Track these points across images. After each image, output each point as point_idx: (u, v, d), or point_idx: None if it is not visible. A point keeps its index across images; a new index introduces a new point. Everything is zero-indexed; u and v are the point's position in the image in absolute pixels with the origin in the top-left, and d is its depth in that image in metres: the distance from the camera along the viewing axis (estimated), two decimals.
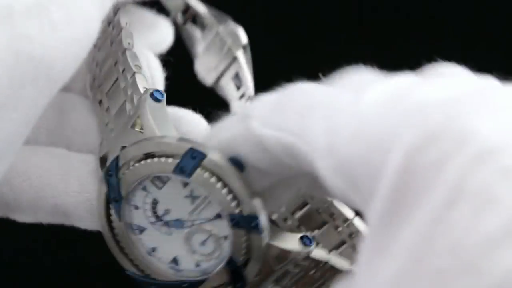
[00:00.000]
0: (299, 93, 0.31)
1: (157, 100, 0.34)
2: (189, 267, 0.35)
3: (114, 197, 0.35)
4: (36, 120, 0.33)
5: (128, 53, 0.36)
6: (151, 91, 0.35)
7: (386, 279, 0.25)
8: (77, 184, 0.36)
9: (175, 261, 0.35)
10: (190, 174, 0.33)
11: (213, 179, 0.33)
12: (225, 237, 0.34)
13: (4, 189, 0.36)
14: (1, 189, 0.36)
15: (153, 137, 0.34)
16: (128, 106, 0.36)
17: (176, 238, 0.35)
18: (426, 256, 0.25)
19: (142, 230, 0.35)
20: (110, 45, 0.38)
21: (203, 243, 0.35)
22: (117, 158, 0.34)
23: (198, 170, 0.33)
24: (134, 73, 0.36)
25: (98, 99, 0.38)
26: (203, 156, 0.33)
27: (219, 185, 0.33)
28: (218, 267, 0.35)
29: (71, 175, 0.36)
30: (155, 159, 0.34)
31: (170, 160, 0.33)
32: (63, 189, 0.36)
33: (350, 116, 0.28)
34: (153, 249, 0.35)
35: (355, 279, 0.27)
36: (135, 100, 0.35)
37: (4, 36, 0.31)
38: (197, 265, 0.35)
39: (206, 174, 0.33)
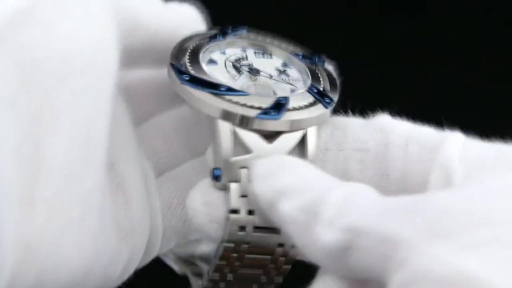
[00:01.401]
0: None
1: None
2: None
3: (217, 35, 0.39)
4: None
5: None
6: None
7: None
8: None
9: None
10: (301, 59, 0.40)
11: None
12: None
13: None
14: None
15: None
16: None
17: (238, 83, 0.38)
18: None
19: (211, 61, 0.38)
20: None
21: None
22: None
23: None
24: None
25: None
26: None
27: None
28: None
29: None
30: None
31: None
32: None
33: None
34: (210, 63, 0.38)
35: None
36: None
37: None
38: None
39: None
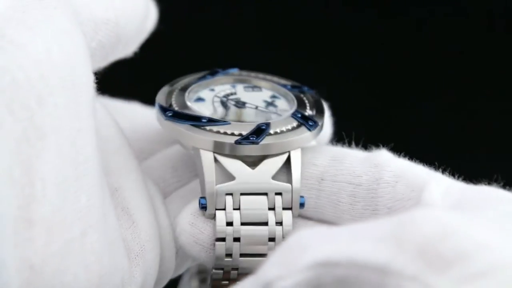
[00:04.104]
0: None
1: None
2: None
3: (206, 75, 0.40)
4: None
5: None
6: None
7: None
8: None
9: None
10: (290, 90, 0.40)
11: None
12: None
13: None
14: None
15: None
16: None
17: (227, 113, 0.38)
18: None
19: (198, 99, 0.39)
20: None
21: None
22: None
23: None
24: None
25: None
26: None
27: None
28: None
29: None
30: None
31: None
32: None
33: None
34: (199, 99, 0.39)
35: None
36: None
37: None
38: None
39: None
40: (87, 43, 0.36)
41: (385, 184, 0.36)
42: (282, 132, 0.37)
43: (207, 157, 0.37)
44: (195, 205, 0.38)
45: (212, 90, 0.40)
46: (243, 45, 0.54)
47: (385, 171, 0.37)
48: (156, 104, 0.39)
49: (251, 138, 0.37)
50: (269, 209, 0.37)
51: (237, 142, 0.37)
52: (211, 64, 0.44)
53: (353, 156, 0.38)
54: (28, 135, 0.32)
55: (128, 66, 0.44)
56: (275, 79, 0.41)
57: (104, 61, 0.39)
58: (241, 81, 0.40)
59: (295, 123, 0.38)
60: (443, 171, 0.37)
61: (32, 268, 0.32)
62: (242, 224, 0.37)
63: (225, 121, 0.37)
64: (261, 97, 0.40)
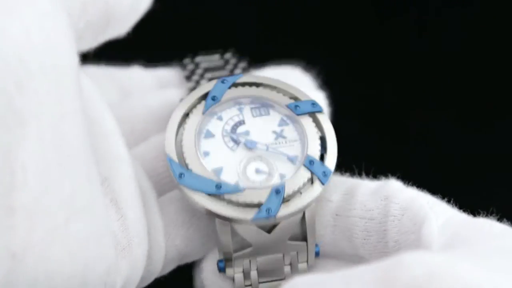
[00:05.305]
0: None
1: None
2: (226, 180, 0.38)
3: (213, 96, 0.39)
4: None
5: None
6: None
7: None
8: None
9: (218, 169, 0.38)
10: (298, 115, 0.39)
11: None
12: (281, 176, 0.38)
13: None
14: None
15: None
16: None
17: (236, 155, 0.38)
18: None
19: (208, 135, 0.39)
20: None
21: (257, 170, 0.38)
22: (237, 76, 0.40)
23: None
24: None
25: None
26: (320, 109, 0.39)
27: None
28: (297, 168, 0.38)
29: None
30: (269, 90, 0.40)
31: (284, 96, 0.40)
32: None
33: None
34: (206, 153, 0.38)
35: None
36: None
37: None
38: (236, 182, 0.38)
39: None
40: (74, 24, 0.35)
41: (392, 217, 0.37)
42: (296, 193, 0.38)
43: (223, 226, 0.38)
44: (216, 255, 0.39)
45: (220, 119, 0.39)
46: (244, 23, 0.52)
47: (393, 203, 0.37)
48: (168, 159, 0.38)
49: (267, 213, 0.37)
50: (285, 264, 0.39)
51: (253, 220, 0.37)
52: (209, 45, 0.44)
53: (363, 189, 0.39)
54: (7, 121, 0.31)
55: (120, 47, 0.42)
56: (281, 91, 0.40)
57: (94, 41, 0.39)
58: (248, 99, 0.40)
59: (308, 175, 0.38)
60: (448, 201, 0.38)
61: (14, 256, 0.31)
62: (260, 282, 0.39)
63: (239, 189, 0.37)
64: (270, 125, 0.39)
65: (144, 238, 0.38)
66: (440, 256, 0.29)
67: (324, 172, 0.38)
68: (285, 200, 0.37)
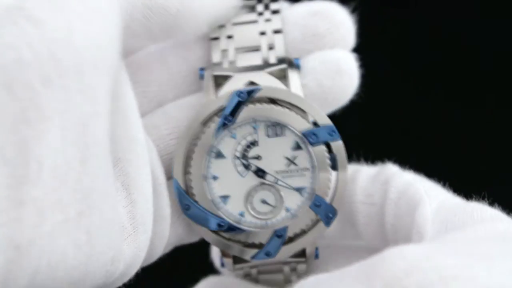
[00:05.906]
0: None
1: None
2: (231, 211, 0.38)
3: (226, 116, 0.37)
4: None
5: None
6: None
7: None
8: None
9: (224, 197, 0.38)
10: (313, 144, 0.38)
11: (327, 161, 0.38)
12: (286, 209, 0.38)
13: None
14: None
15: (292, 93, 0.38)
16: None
17: (244, 182, 0.38)
18: None
19: (219, 155, 0.38)
20: None
21: (264, 201, 0.38)
22: (255, 89, 0.38)
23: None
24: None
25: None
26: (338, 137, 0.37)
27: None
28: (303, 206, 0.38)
29: None
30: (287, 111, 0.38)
31: (302, 120, 0.37)
32: None
33: None
34: (214, 177, 0.38)
35: None
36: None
37: None
38: (240, 214, 0.38)
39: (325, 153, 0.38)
40: (126, 22, 0.34)
41: (389, 200, 0.38)
42: (298, 235, 0.38)
43: (226, 262, 0.39)
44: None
45: (234, 137, 0.39)
46: None
47: (391, 187, 0.38)
48: (174, 185, 0.39)
49: (266, 256, 0.38)
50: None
51: (253, 259, 0.38)
52: None
53: (364, 175, 0.39)
54: (28, 115, 0.31)
55: None
56: (298, 103, 0.39)
57: (152, 42, 0.39)
58: (264, 121, 0.39)
59: (313, 217, 0.38)
60: (444, 182, 0.38)
61: (17, 248, 0.31)
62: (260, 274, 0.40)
63: (243, 228, 0.38)
64: (283, 149, 0.39)
65: (149, 225, 0.37)
66: (421, 248, 0.30)
67: (329, 214, 0.38)
68: (289, 239, 0.38)
